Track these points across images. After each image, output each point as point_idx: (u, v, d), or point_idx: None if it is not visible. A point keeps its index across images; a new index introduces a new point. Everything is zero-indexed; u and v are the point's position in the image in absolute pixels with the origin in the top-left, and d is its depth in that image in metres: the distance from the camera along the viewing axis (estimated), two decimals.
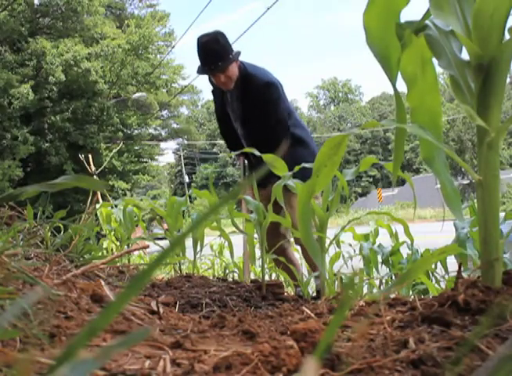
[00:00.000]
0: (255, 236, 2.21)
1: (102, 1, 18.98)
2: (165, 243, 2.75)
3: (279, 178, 1.75)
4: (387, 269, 2.97)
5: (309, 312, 1.05)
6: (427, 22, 0.88)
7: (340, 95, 63.93)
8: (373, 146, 55.88)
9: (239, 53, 2.90)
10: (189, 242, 2.49)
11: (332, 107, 63.08)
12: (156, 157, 25.85)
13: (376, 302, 1.00)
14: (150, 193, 41.37)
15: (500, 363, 0.37)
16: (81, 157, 15.75)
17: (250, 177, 0.36)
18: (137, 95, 19.02)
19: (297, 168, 1.70)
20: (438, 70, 0.94)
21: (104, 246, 3.36)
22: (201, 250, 2.56)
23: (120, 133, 20.22)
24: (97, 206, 3.25)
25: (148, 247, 1.89)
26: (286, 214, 1.98)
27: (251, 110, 2.92)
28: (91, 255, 1.93)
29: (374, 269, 3.05)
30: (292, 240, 3.05)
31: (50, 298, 0.89)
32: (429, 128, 0.94)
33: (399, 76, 0.93)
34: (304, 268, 3.02)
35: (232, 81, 2.88)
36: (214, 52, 2.80)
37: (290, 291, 2.58)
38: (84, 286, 1.09)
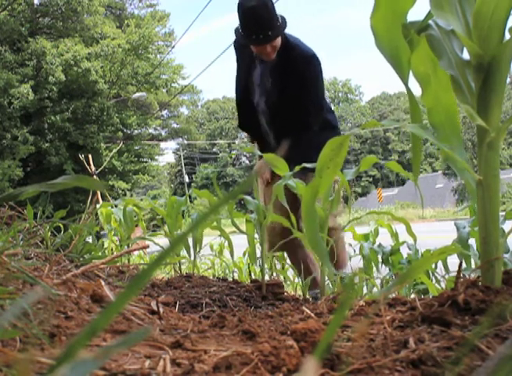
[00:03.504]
0: (256, 235, 2.21)
1: (102, 1, 18.98)
2: (165, 242, 2.75)
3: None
4: (387, 269, 2.97)
5: (309, 312, 1.04)
6: (429, 22, 0.88)
7: (340, 95, 63.92)
8: (373, 146, 55.89)
9: (285, 20, 2.52)
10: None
11: (332, 107, 62.98)
12: (156, 157, 25.86)
13: (376, 302, 1.00)
14: (150, 193, 41.38)
15: (500, 363, 0.37)
16: (81, 157, 15.79)
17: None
18: (137, 95, 19.02)
19: (297, 168, 1.69)
20: None
21: (104, 246, 3.36)
22: (200, 250, 2.55)
23: (120, 133, 20.24)
24: (97, 206, 3.25)
25: (148, 247, 1.89)
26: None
27: (287, 84, 2.56)
28: (91, 255, 1.93)
29: (374, 269, 3.04)
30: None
31: (50, 298, 0.88)
32: (446, 128, 0.94)
33: (411, 77, 0.93)
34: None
35: (275, 52, 2.53)
36: (263, 19, 2.40)
37: (290, 290, 2.58)
38: (84, 286, 1.09)
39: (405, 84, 0.92)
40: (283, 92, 2.59)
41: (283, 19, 2.50)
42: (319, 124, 2.60)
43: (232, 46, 2.82)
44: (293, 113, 2.57)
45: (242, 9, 2.42)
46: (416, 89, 0.99)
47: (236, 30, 2.61)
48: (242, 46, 2.68)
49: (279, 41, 2.51)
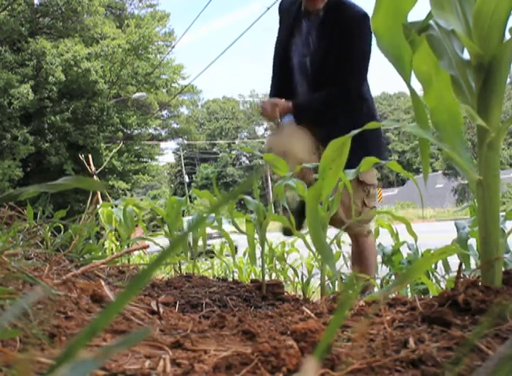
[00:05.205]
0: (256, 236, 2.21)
1: (102, 1, 19.00)
2: (165, 242, 2.75)
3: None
4: (388, 269, 2.97)
5: (309, 312, 1.04)
6: (430, 22, 0.89)
7: None
8: None
9: None
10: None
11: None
12: (156, 157, 25.87)
13: (376, 302, 1.00)
14: (150, 193, 41.35)
15: (500, 363, 0.37)
16: (81, 157, 15.81)
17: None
18: (137, 95, 19.02)
19: (298, 168, 1.68)
20: None
21: (104, 246, 3.36)
22: (204, 248, 2.55)
23: (120, 133, 20.25)
24: (97, 206, 3.25)
25: (148, 247, 1.89)
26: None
27: (332, 43, 2.43)
28: (91, 255, 1.93)
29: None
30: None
31: (50, 298, 0.88)
32: (449, 127, 0.93)
33: (414, 76, 0.93)
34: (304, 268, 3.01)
35: (323, 0, 2.42)
36: None
37: (290, 290, 2.58)
38: (84, 286, 1.09)
39: (408, 83, 0.91)
40: (327, 51, 2.45)
41: None
42: (358, 93, 2.47)
43: (277, 10, 2.74)
44: (335, 76, 2.43)
45: None
46: (418, 89, 0.99)
47: None
48: (289, 6, 2.60)
49: None
